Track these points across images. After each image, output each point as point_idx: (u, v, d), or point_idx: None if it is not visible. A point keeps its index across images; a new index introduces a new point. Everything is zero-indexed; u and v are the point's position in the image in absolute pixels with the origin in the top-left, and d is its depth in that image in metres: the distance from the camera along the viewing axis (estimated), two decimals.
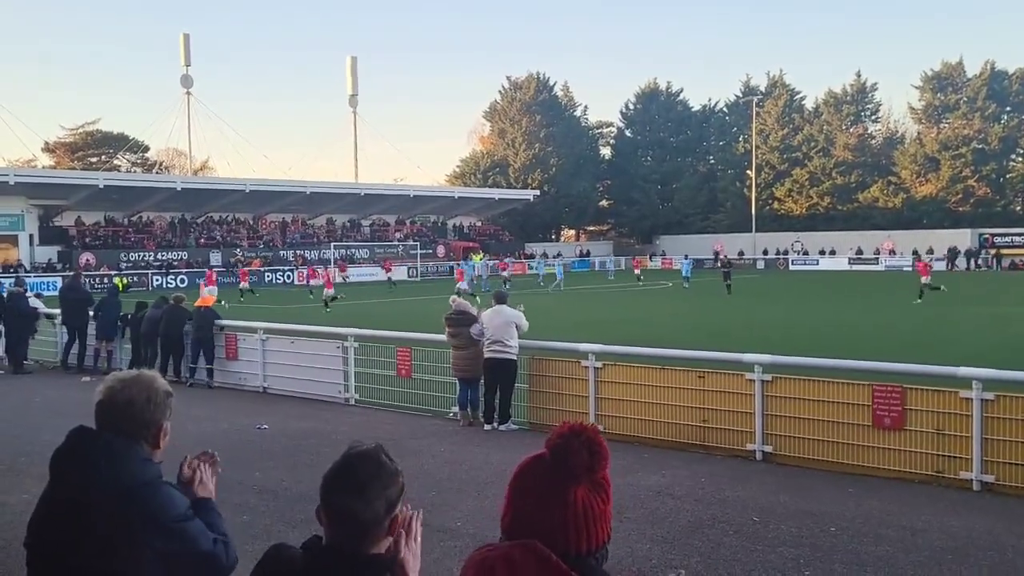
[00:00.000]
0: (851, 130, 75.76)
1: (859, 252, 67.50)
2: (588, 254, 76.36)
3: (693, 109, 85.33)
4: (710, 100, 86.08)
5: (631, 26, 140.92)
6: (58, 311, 17.54)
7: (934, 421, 8.23)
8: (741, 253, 70.89)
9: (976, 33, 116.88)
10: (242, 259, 55.46)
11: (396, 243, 65.61)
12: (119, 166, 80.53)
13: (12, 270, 45.94)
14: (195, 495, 2.81)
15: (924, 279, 33.26)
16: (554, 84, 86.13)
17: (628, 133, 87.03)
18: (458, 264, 53.67)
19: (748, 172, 76.73)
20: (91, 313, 16.95)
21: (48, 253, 51.70)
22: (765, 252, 72.00)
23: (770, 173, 77.06)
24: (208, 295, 24.22)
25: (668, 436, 9.81)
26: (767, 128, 77.66)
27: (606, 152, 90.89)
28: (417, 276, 58.79)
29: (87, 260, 49.74)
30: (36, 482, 4.02)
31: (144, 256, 53.72)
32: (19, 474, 8.52)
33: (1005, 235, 63.72)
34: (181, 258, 54.68)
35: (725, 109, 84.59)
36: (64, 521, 2.52)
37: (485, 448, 9.98)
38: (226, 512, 2.94)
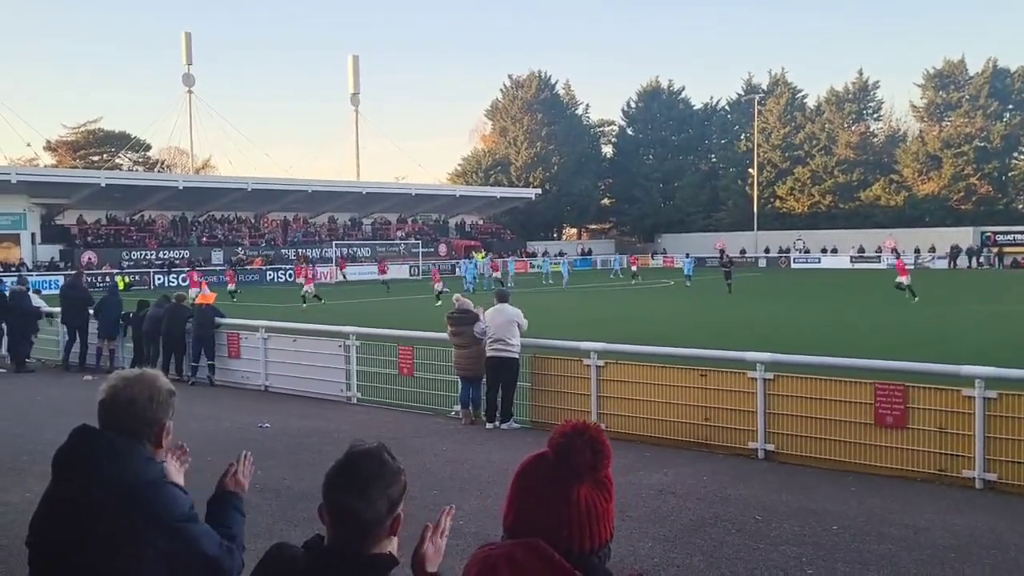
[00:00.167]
0: (853, 128, 75.70)
1: (861, 250, 67.40)
2: (590, 252, 76.39)
3: (695, 107, 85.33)
4: (712, 98, 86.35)
5: (633, 25, 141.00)
6: (58, 310, 17.57)
7: (936, 419, 8.22)
8: (743, 251, 70.83)
9: (978, 31, 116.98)
10: (243, 257, 55.51)
11: (398, 242, 65.66)
12: (121, 165, 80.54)
13: (14, 269, 45.99)
14: (224, 486, 2.82)
15: (900, 279, 30.70)
16: (556, 82, 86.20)
17: (630, 131, 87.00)
18: (438, 266, 52.95)
19: (750, 170, 76.71)
20: (91, 312, 16.97)
21: (50, 252, 51.78)
22: (767, 250, 71.94)
23: (772, 171, 77.00)
24: (208, 293, 24.18)
25: (670, 435, 9.81)
26: (769, 126, 77.61)
27: (608, 150, 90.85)
28: (419, 274, 58.78)
29: (89, 259, 49.79)
30: (38, 481, 4.02)
31: (146, 255, 53.79)
32: (21, 473, 8.52)
33: (1007, 233, 63.72)
34: (183, 257, 54.71)
35: (727, 107, 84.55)
36: (66, 520, 2.51)
37: (487, 447, 9.98)
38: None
